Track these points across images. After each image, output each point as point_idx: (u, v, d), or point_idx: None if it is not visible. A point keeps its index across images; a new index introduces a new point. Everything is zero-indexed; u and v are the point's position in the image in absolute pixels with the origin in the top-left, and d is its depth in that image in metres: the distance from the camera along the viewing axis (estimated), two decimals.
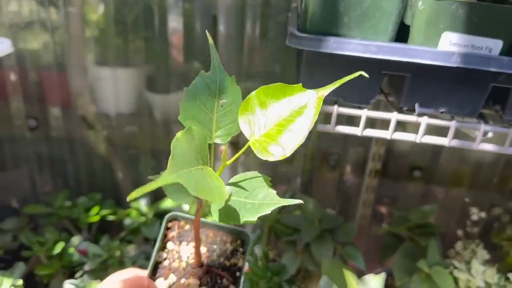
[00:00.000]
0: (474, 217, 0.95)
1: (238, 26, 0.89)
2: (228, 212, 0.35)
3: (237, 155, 0.36)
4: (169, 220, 0.50)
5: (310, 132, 0.98)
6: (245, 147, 0.35)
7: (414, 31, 0.47)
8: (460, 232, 0.97)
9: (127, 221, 0.97)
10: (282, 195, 0.99)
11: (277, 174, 1.05)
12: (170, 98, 1.00)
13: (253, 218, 0.34)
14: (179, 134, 0.31)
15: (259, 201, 0.35)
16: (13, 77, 1.01)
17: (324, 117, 0.89)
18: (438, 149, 0.98)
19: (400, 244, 0.90)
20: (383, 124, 0.87)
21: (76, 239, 0.94)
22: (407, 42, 0.48)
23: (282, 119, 0.35)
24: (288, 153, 0.33)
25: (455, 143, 0.53)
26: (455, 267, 0.84)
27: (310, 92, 0.35)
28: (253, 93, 0.35)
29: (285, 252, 0.91)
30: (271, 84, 0.35)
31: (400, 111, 0.52)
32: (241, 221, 0.34)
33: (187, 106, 0.37)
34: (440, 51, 0.46)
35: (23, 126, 1.06)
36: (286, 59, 0.91)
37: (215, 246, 0.47)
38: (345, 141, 0.98)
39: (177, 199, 0.40)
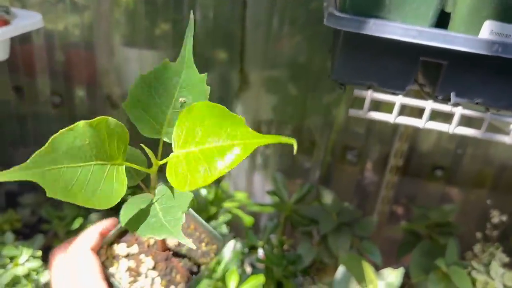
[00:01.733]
0: (495, 220, 0.93)
1: (267, 12, 0.88)
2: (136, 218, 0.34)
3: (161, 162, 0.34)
4: None
5: (332, 124, 0.97)
6: (166, 159, 0.32)
7: (456, 18, 0.46)
8: (478, 235, 0.95)
9: None
10: (299, 188, 0.99)
11: (296, 165, 1.05)
12: None
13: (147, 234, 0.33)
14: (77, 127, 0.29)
15: (165, 221, 0.33)
16: (41, 53, 1.02)
17: (356, 102, 0.89)
18: (461, 149, 0.96)
19: (418, 242, 0.89)
20: (410, 114, 0.86)
21: (94, 216, 0.95)
22: (446, 29, 0.48)
23: (214, 148, 0.30)
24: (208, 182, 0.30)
25: (488, 135, 0.52)
26: (474, 268, 0.82)
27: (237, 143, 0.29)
28: (198, 104, 0.31)
29: (301, 243, 0.90)
30: (216, 106, 0.30)
31: (435, 100, 0.51)
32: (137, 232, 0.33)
33: (138, 93, 0.34)
34: (482, 39, 0.45)
35: (47, 103, 1.07)
36: (313, 48, 0.90)
37: (190, 240, 0.46)
38: (367, 135, 0.97)
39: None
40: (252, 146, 0.28)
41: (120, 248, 0.43)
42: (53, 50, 1.01)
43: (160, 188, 0.37)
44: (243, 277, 0.80)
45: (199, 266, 0.44)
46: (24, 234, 0.96)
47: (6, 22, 0.82)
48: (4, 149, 1.18)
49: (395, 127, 0.94)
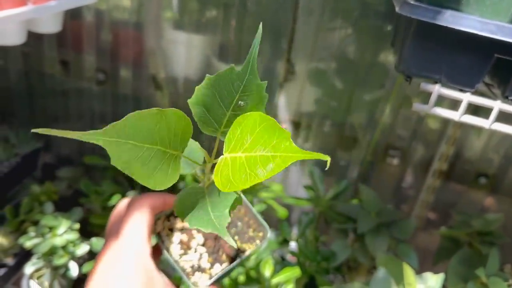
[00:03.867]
0: None
1: (321, 2, 0.86)
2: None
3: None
4: None
5: (376, 122, 0.95)
6: (218, 161, 0.34)
7: None
8: None
9: (181, 184, 0.97)
10: (335, 185, 0.97)
11: (335, 161, 1.03)
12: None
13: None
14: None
15: (213, 216, 0.35)
16: (89, 30, 1.03)
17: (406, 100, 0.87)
18: (508, 158, 0.93)
19: (457, 249, 0.86)
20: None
21: (131, 194, 0.96)
22: None
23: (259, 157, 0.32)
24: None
25: None
26: None
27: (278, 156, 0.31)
28: (253, 114, 0.33)
29: (335, 240, 0.89)
30: (268, 118, 0.32)
31: (504, 100, 0.49)
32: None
33: (203, 93, 0.36)
34: None
35: (91, 79, 1.08)
36: (364, 42, 0.88)
37: (239, 223, 0.48)
38: (412, 136, 0.95)
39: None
40: (290, 160, 0.30)
41: (176, 221, 0.45)
42: (102, 28, 1.02)
43: (213, 183, 0.39)
44: (276, 268, 0.79)
45: (243, 250, 0.46)
46: (59, 207, 0.98)
47: None
48: (45, 123, 1.20)
49: (443, 129, 0.91)
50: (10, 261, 0.92)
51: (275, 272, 0.78)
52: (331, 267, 0.85)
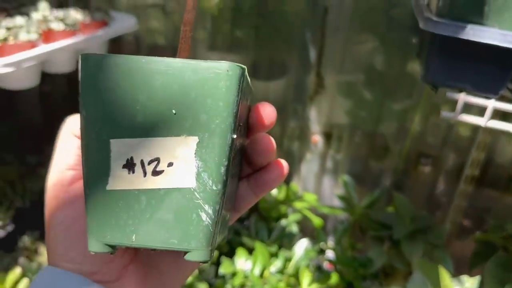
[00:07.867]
0: None
1: (348, 18, 0.90)
2: None
3: None
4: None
5: (407, 131, 0.97)
6: None
7: None
8: None
9: None
10: (370, 193, 0.99)
11: (367, 170, 1.06)
12: (270, 85, 1.04)
13: None
14: None
15: None
16: (129, 53, 1.09)
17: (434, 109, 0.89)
18: None
19: (492, 254, 0.87)
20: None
21: None
22: None
23: None
24: None
25: None
26: None
27: None
28: None
29: (372, 247, 0.91)
30: None
31: None
32: None
33: None
34: None
35: None
36: (391, 54, 0.91)
37: None
38: (443, 144, 0.96)
39: None
40: None
41: None
42: (140, 51, 1.08)
43: None
44: (315, 276, 0.82)
45: None
46: None
47: (105, 24, 0.90)
48: None
49: (473, 136, 0.93)
50: None
51: (315, 280, 0.80)
52: (368, 273, 0.87)
